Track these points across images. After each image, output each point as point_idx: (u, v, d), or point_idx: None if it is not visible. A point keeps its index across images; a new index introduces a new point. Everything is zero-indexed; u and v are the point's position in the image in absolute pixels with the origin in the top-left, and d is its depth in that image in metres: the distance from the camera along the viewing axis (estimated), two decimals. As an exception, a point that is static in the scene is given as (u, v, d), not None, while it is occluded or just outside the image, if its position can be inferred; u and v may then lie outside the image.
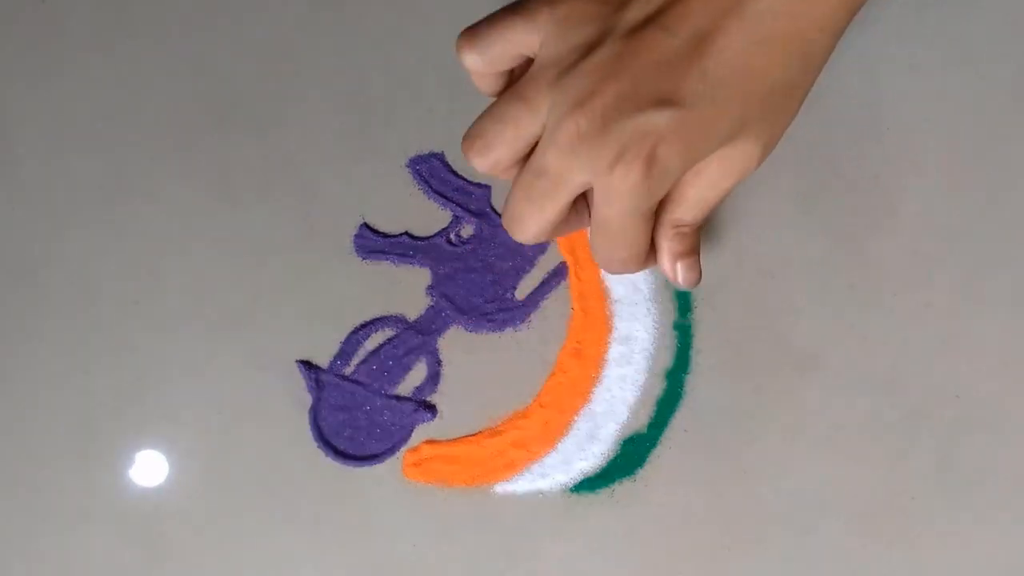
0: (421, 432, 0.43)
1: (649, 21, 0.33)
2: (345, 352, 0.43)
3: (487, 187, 0.44)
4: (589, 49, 0.33)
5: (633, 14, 0.33)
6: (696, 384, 0.43)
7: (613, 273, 0.37)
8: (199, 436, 0.43)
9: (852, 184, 0.43)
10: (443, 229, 0.44)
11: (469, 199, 0.43)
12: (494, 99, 0.35)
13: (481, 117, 0.35)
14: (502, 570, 0.42)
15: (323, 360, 0.43)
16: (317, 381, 0.43)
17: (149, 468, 0.43)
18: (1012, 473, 0.42)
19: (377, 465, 0.43)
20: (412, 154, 0.44)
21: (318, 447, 0.43)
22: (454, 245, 0.43)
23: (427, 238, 0.43)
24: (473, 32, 0.35)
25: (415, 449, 0.43)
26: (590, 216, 0.36)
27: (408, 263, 0.43)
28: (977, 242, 0.43)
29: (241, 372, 0.43)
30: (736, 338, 0.43)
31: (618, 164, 0.32)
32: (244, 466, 0.43)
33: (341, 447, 0.43)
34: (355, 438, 0.43)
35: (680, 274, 0.37)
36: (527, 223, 0.35)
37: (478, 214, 0.43)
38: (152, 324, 0.43)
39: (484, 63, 0.35)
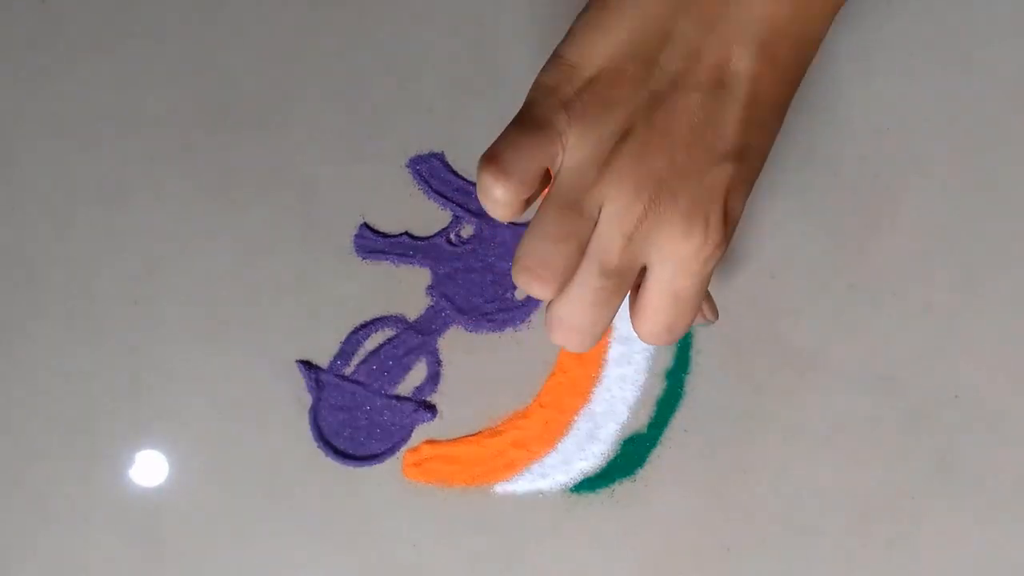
0: (421, 432, 0.43)
1: (676, 87, 0.32)
2: (345, 352, 0.43)
3: (487, 187, 0.44)
4: (623, 134, 0.32)
5: (656, 84, 0.32)
6: (696, 384, 0.43)
7: (670, 343, 0.35)
8: (199, 436, 0.43)
9: (852, 184, 0.43)
10: (443, 229, 0.44)
11: (469, 199, 0.43)
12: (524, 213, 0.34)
13: (531, 241, 0.32)
14: (502, 570, 0.42)
15: (323, 360, 0.43)
16: (317, 381, 0.43)
17: (149, 468, 0.43)
18: (1012, 473, 0.42)
19: (377, 465, 0.43)
20: (412, 154, 0.44)
21: (318, 447, 0.43)
22: (454, 245, 0.43)
23: (427, 238, 0.44)
24: (498, 161, 0.32)
25: (415, 449, 0.43)
26: (633, 301, 0.34)
27: (408, 263, 0.43)
28: (977, 242, 0.43)
29: (241, 372, 0.43)
30: (736, 338, 0.43)
31: (695, 230, 0.31)
32: (244, 466, 0.43)
33: (341, 447, 0.43)
34: (355, 438, 0.43)
35: (707, 311, 0.38)
36: (595, 327, 0.33)
37: (478, 214, 0.43)
38: (152, 324, 0.43)
39: (517, 192, 0.32)
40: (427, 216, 0.44)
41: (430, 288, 0.43)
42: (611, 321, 0.33)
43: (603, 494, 0.42)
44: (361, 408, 0.43)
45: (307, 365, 0.43)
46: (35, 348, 0.44)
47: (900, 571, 0.42)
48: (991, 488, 0.42)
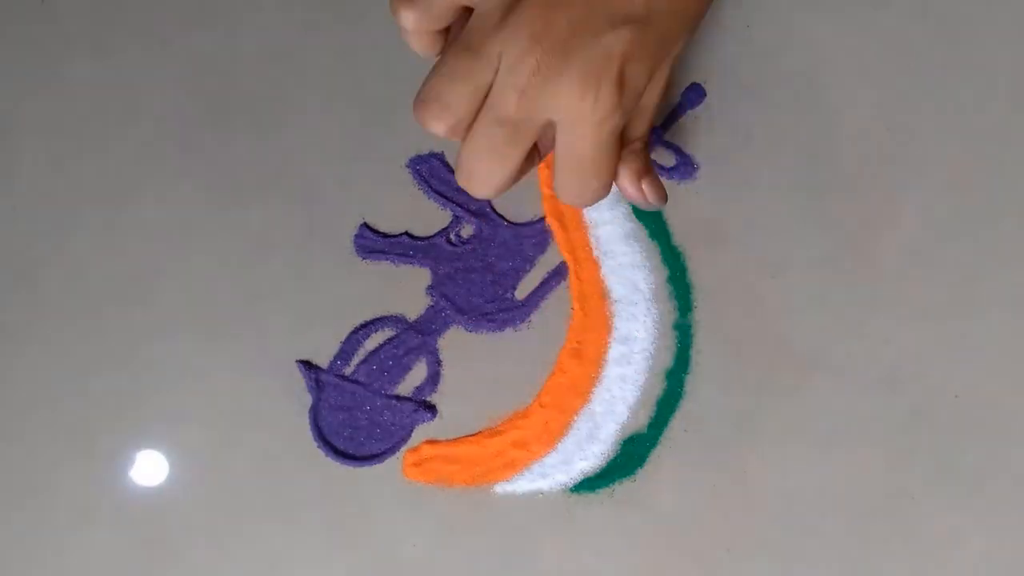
0: (421, 432, 0.43)
1: None
2: (345, 352, 0.43)
3: (487, 187, 0.44)
4: None
5: None
6: (696, 384, 0.43)
7: (583, 206, 0.36)
8: (200, 436, 0.43)
9: (852, 184, 0.43)
10: (443, 229, 0.44)
11: (469, 199, 0.43)
12: (434, 58, 0.34)
13: (430, 78, 0.33)
14: (502, 570, 0.42)
15: (323, 360, 0.43)
16: (317, 381, 0.43)
17: (150, 468, 0.43)
18: (1012, 473, 0.42)
19: (377, 465, 0.43)
20: (412, 154, 0.44)
21: (318, 447, 0.43)
22: (454, 245, 0.43)
23: (427, 238, 0.43)
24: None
25: (415, 449, 0.43)
26: (540, 156, 0.35)
27: (408, 263, 0.43)
28: (977, 242, 0.43)
29: (241, 372, 0.43)
30: (736, 338, 0.43)
31: (588, 92, 0.31)
32: (245, 466, 0.43)
33: (341, 447, 0.43)
34: (355, 438, 0.43)
35: (648, 193, 0.36)
36: (491, 177, 0.34)
37: (478, 214, 0.43)
38: (153, 324, 0.43)
39: (425, 20, 0.34)
40: (427, 216, 0.44)
41: (430, 288, 0.43)
42: (514, 173, 0.33)
43: (603, 494, 0.42)
44: (361, 408, 0.43)
45: (307, 365, 0.43)
46: (35, 348, 0.44)
47: (900, 571, 0.42)
48: (991, 488, 0.42)
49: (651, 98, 0.35)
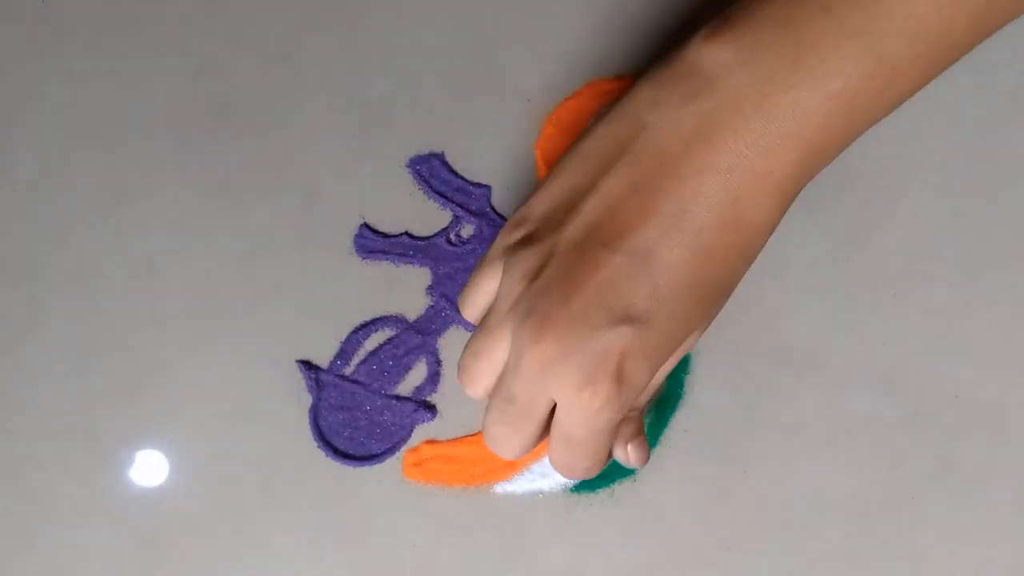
0: (421, 432, 0.43)
1: (588, 238, 0.33)
2: (345, 352, 0.43)
3: (487, 187, 0.44)
4: (537, 273, 0.34)
5: (570, 233, 0.33)
6: (696, 384, 0.43)
7: (572, 479, 0.38)
8: (199, 436, 0.43)
9: (852, 184, 0.43)
10: (443, 229, 0.44)
11: (469, 199, 0.43)
12: None
13: (464, 350, 0.36)
14: (502, 570, 0.42)
15: (323, 360, 0.43)
16: (317, 381, 0.43)
17: (149, 468, 0.43)
18: (1012, 473, 0.42)
19: (377, 465, 0.43)
20: (412, 154, 0.44)
21: (318, 447, 0.43)
22: (454, 245, 0.43)
23: (427, 238, 0.44)
24: (462, 296, 0.37)
25: (415, 449, 0.43)
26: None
27: (408, 263, 0.43)
28: (977, 242, 0.43)
29: (241, 372, 0.43)
30: (736, 338, 0.43)
31: (586, 387, 0.33)
32: (244, 466, 0.43)
33: (341, 447, 0.43)
34: (355, 438, 0.43)
35: (632, 455, 0.38)
36: (509, 444, 0.36)
37: (478, 214, 0.43)
38: (152, 324, 0.43)
39: (480, 316, 0.37)
40: (427, 216, 0.44)
41: (430, 288, 0.43)
42: (530, 442, 0.36)
43: (603, 494, 0.42)
44: (361, 408, 0.43)
45: (307, 365, 0.43)
46: (35, 348, 0.44)
47: (900, 571, 0.42)
48: (991, 488, 0.42)
49: (656, 379, 0.37)
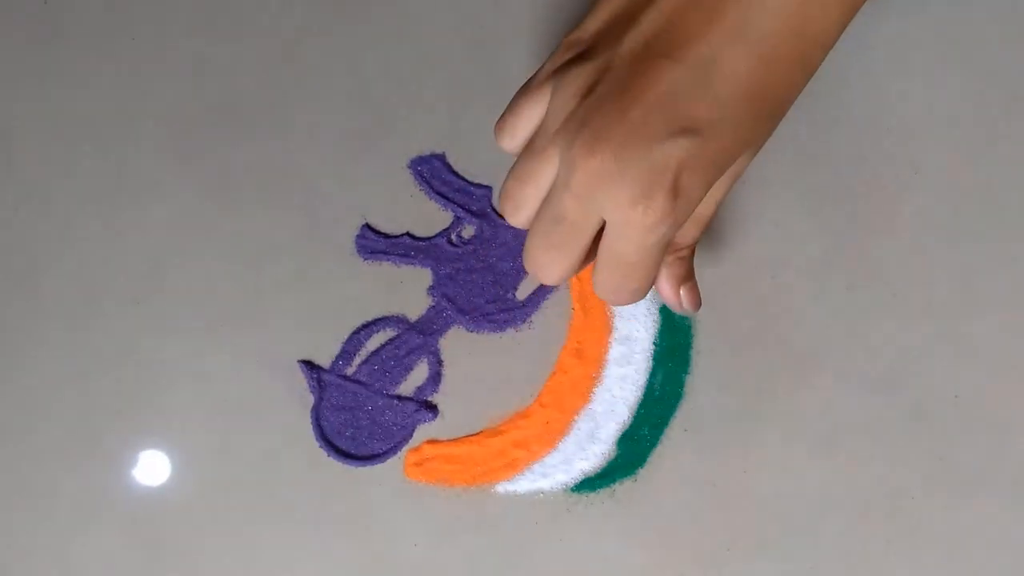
0: (422, 432, 0.43)
1: (648, 50, 0.32)
2: (347, 352, 0.43)
3: (488, 187, 0.44)
4: (590, 90, 0.32)
5: (628, 45, 0.32)
6: (696, 384, 0.43)
7: (619, 304, 0.36)
8: (201, 436, 0.43)
9: (852, 184, 0.43)
10: (444, 230, 0.44)
11: (470, 200, 0.44)
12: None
13: (507, 177, 0.35)
14: (502, 570, 0.42)
15: (325, 360, 0.43)
16: (319, 381, 0.43)
17: (151, 468, 0.43)
18: (1012, 473, 0.42)
19: (379, 465, 0.43)
20: (413, 155, 0.44)
21: (320, 447, 0.43)
22: (455, 246, 0.44)
23: (428, 239, 0.44)
24: (501, 124, 0.35)
25: (416, 449, 0.43)
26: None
27: (409, 263, 0.43)
28: (977, 242, 0.43)
29: (243, 372, 0.43)
30: (736, 338, 0.43)
31: (640, 201, 0.31)
32: (246, 466, 0.43)
33: (343, 447, 0.43)
34: (357, 438, 0.43)
35: (684, 299, 0.37)
36: (553, 269, 0.35)
37: (479, 215, 0.43)
38: (153, 324, 0.43)
39: (518, 147, 0.35)
40: (428, 217, 0.44)
41: (431, 288, 0.43)
42: (575, 265, 0.35)
43: (603, 494, 0.42)
44: (363, 408, 0.43)
45: (309, 365, 0.43)
46: (36, 348, 0.44)
47: (900, 571, 0.42)
48: (991, 488, 0.42)
49: (707, 209, 0.36)
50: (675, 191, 0.31)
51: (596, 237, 0.34)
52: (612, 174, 0.32)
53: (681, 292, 0.37)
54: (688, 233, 0.36)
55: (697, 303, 0.37)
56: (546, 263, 0.35)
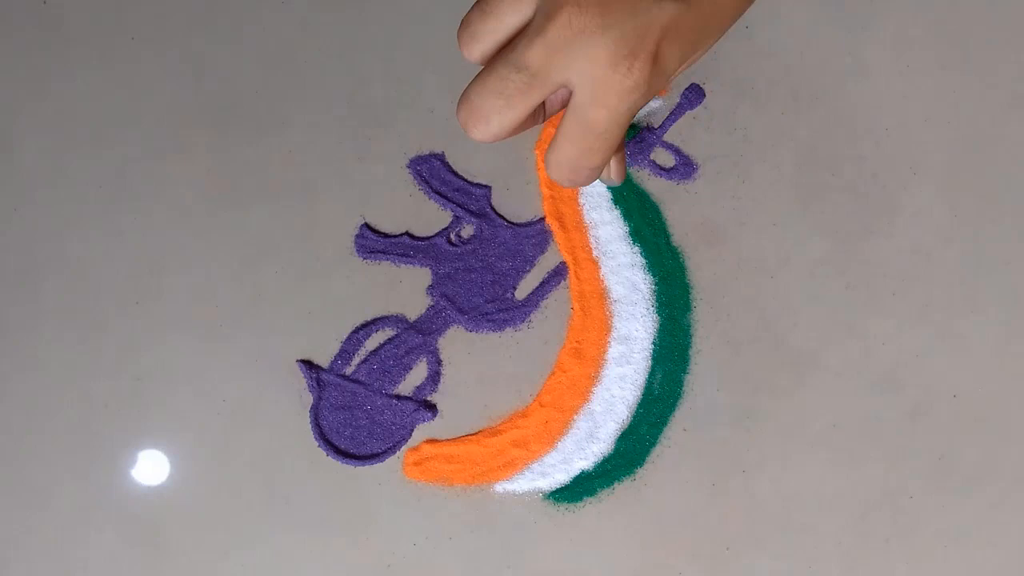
0: (422, 431, 0.43)
1: None
2: (346, 352, 0.43)
3: (487, 187, 0.44)
4: None
5: None
6: (696, 384, 0.43)
7: (574, 185, 0.34)
8: (201, 435, 0.43)
9: (851, 184, 0.43)
10: (443, 229, 0.44)
11: (469, 199, 0.44)
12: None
13: (471, 9, 0.32)
14: (502, 569, 0.42)
15: (324, 360, 0.43)
16: (318, 380, 0.43)
17: (151, 467, 0.43)
18: (1011, 473, 0.42)
19: (378, 464, 0.43)
20: (413, 155, 0.44)
21: (319, 446, 0.43)
22: (454, 245, 0.44)
23: (427, 238, 0.44)
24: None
25: (416, 448, 0.43)
26: (544, 117, 0.34)
27: (409, 263, 0.43)
28: (977, 242, 0.43)
29: (242, 372, 0.43)
30: (736, 338, 0.43)
31: (622, 62, 0.30)
32: (246, 465, 0.43)
33: (342, 446, 0.43)
34: (356, 437, 0.43)
35: (613, 169, 0.36)
36: (492, 119, 0.32)
37: (478, 214, 0.43)
38: (153, 324, 0.44)
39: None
40: (427, 216, 0.44)
41: (430, 288, 0.43)
42: (516, 122, 0.32)
43: (603, 494, 0.42)
44: (362, 407, 0.43)
45: (308, 365, 0.43)
46: (36, 348, 0.44)
47: (899, 570, 0.42)
48: (990, 488, 0.42)
49: (663, 80, 0.33)
50: (655, 58, 0.30)
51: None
52: (593, 30, 0.30)
53: (612, 162, 0.35)
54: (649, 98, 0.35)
55: (623, 175, 0.36)
56: (488, 111, 0.32)
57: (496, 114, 0.32)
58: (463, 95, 0.32)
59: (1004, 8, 0.44)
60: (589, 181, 0.33)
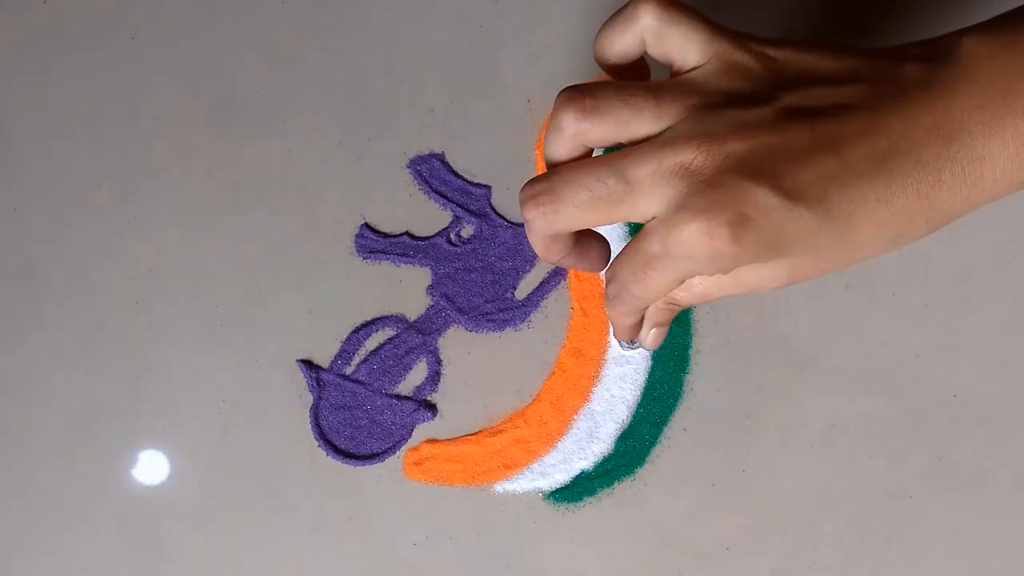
0: (421, 431, 0.43)
1: (802, 113, 0.30)
2: (346, 351, 0.43)
3: (487, 187, 0.44)
4: (738, 103, 0.30)
5: (792, 100, 0.30)
6: (696, 384, 0.43)
7: (607, 306, 0.34)
8: (200, 435, 0.43)
9: (851, 184, 0.43)
10: (443, 229, 0.44)
11: (469, 199, 0.44)
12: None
13: (605, 84, 0.31)
14: (502, 569, 0.42)
15: (324, 359, 0.43)
16: (318, 380, 0.43)
17: (150, 467, 0.43)
18: (1011, 473, 0.42)
19: (378, 464, 0.43)
20: (412, 154, 0.44)
21: (319, 446, 0.43)
22: (454, 245, 0.44)
23: (427, 238, 0.44)
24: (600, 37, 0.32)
25: (415, 448, 0.43)
26: (587, 265, 0.34)
27: (409, 263, 0.43)
28: (977, 242, 0.43)
29: (242, 371, 0.43)
30: (736, 338, 0.43)
31: (702, 216, 0.29)
32: (245, 465, 0.43)
33: (342, 446, 0.43)
34: (356, 437, 0.43)
35: (651, 339, 0.37)
36: (561, 215, 0.31)
37: (478, 214, 0.44)
38: (153, 324, 0.44)
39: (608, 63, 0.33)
40: (427, 216, 0.44)
41: (430, 288, 0.43)
42: (580, 223, 0.31)
43: (603, 494, 0.42)
44: (362, 407, 0.43)
45: (308, 364, 0.43)
46: (36, 348, 0.44)
47: (899, 570, 0.42)
48: (990, 488, 0.42)
49: (713, 287, 0.34)
50: (735, 235, 0.29)
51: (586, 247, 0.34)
52: (703, 176, 0.30)
53: (652, 331, 0.36)
54: (688, 297, 0.35)
55: (657, 346, 0.37)
56: (565, 202, 0.31)
57: (573, 212, 0.31)
58: (549, 176, 0.31)
59: (1004, 8, 0.44)
60: (623, 308, 0.33)
